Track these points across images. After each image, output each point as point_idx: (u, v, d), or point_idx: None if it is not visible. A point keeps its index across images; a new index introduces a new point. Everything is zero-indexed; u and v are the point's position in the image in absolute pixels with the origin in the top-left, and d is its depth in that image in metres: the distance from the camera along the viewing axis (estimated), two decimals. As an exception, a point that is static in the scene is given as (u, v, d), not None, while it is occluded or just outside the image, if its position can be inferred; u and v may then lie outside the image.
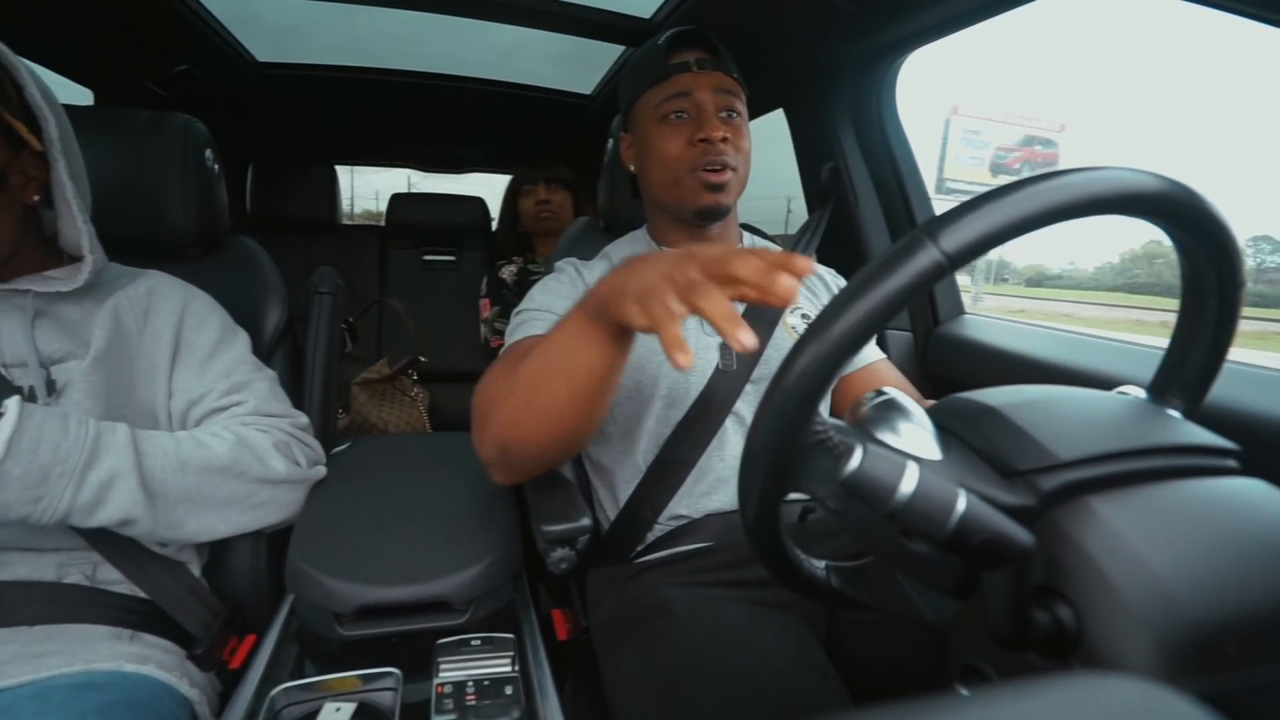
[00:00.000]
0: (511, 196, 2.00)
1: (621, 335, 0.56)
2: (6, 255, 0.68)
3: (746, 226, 1.09)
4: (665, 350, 0.43)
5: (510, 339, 0.81)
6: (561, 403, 0.61)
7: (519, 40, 1.61)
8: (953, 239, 0.33)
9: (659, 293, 0.46)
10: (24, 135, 0.66)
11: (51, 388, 0.68)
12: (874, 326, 0.34)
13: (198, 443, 0.70)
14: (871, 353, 0.94)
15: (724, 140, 0.82)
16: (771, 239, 1.11)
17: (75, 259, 0.73)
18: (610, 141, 1.05)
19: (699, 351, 0.83)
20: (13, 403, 0.58)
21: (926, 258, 0.33)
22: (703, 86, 0.83)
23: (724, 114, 0.84)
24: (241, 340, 0.85)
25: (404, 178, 3.04)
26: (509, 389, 0.64)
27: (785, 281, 0.40)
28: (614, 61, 1.68)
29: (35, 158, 0.68)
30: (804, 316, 0.91)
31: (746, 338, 0.39)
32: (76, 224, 0.69)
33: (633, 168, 0.93)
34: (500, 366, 0.68)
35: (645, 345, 0.83)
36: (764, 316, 0.85)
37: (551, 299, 0.84)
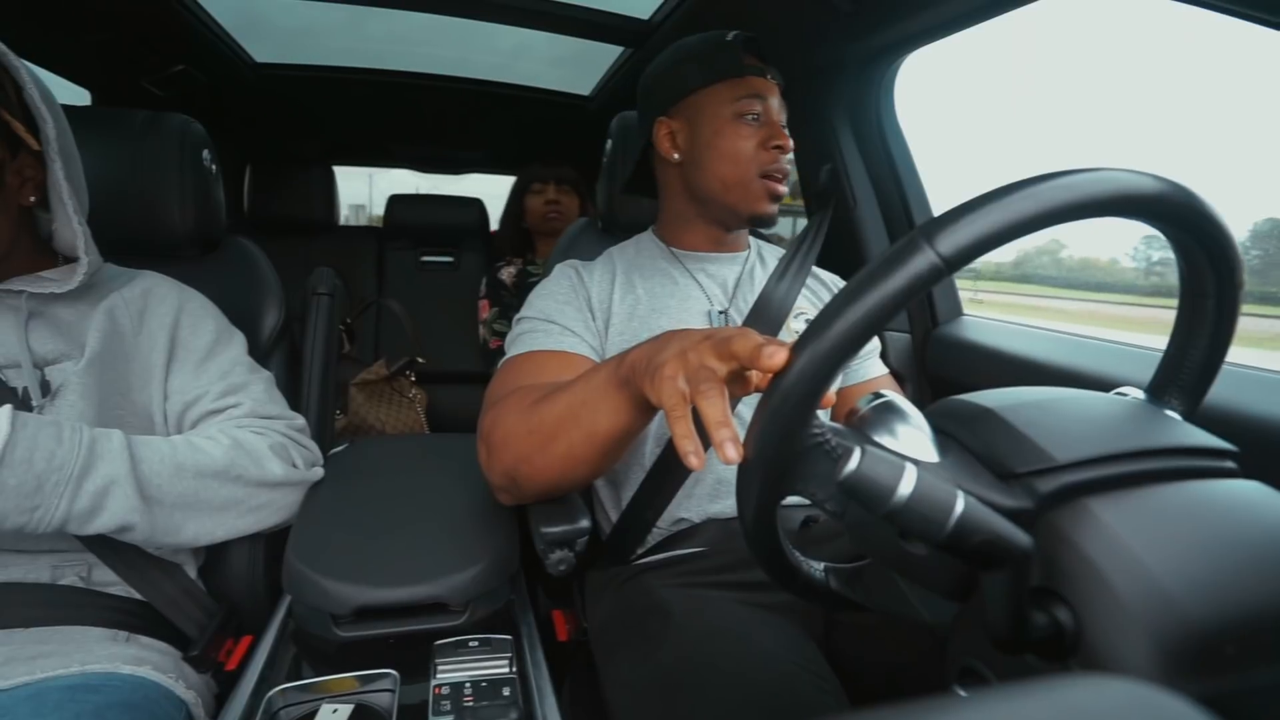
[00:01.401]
0: (518, 193, 1.99)
1: (647, 404, 0.55)
2: (2, 255, 0.68)
3: (753, 231, 1.09)
4: (676, 446, 0.44)
5: (511, 349, 0.81)
6: (579, 453, 0.61)
7: (520, 43, 1.61)
8: (949, 242, 0.33)
9: (671, 372, 0.47)
10: (22, 135, 0.65)
11: (46, 389, 0.68)
12: (871, 329, 0.34)
13: (193, 447, 0.70)
14: (874, 367, 0.94)
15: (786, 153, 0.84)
16: (775, 242, 1.11)
17: (70, 260, 0.73)
18: (609, 142, 1.05)
19: None
20: (5, 412, 0.57)
21: (923, 261, 0.33)
22: (774, 94, 0.85)
23: (784, 127, 0.86)
24: (238, 341, 0.84)
25: (416, 181, 3.03)
26: (526, 429, 0.64)
27: (770, 349, 0.40)
28: (613, 62, 1.68)
29: (33, 159, 0.67)
30: (807, 320, 0.91)
31: (730, 450, 0.39)
32: (72, 226, 0.69)
33: (677, 155, 0.88)
34: (515, 401, 0.67)
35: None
36: (767, 319, 0.85)
37: (551, 306, 0.83)
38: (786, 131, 0.86)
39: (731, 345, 0.44)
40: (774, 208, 0.86)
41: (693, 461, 0.43)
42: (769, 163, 0.83)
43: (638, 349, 0.56)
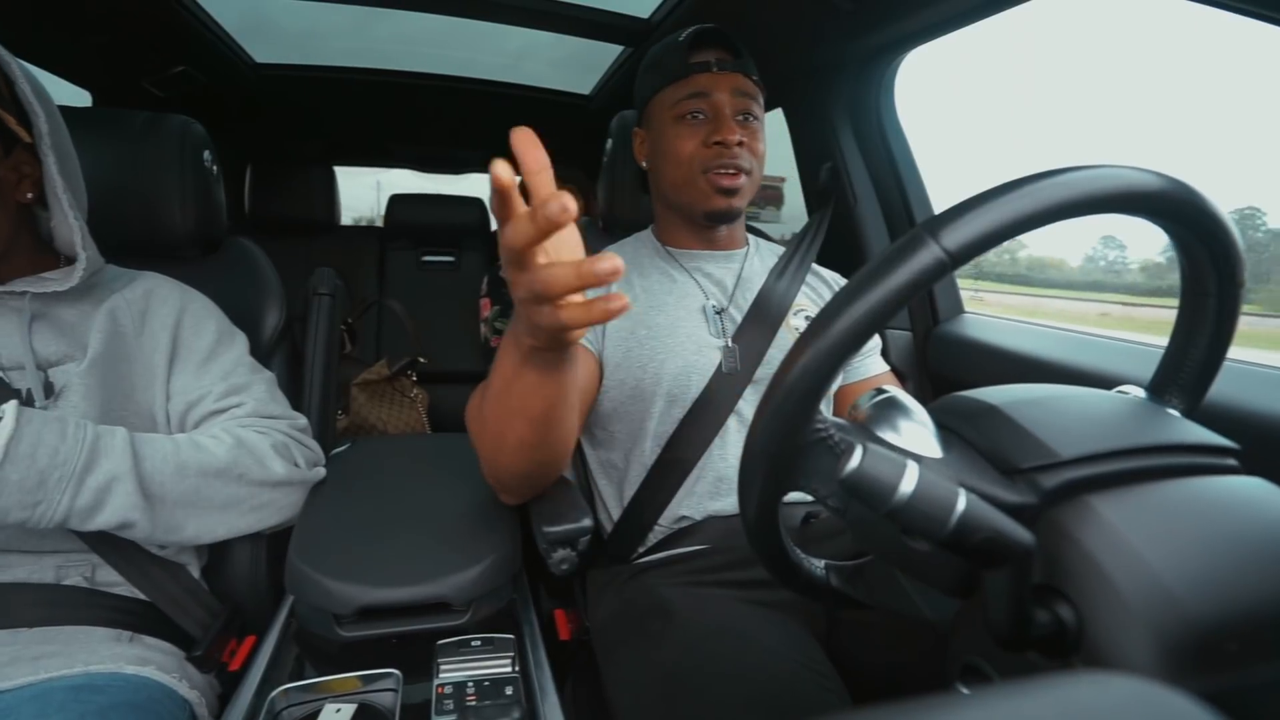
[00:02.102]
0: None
1: (558, 359, 0.54)
2: (1, 253, 0.68)
3: (751, 229, 1.09)
4: (587, 319, 0.41)
5: None
6: (529, 439, 0.60)
7: (526, 45, 1.61)
8: (954, 237, 0.33)
9: (530, 306, 0.45)
10: (14, 129, 0.65)
11: (49, 390, 0.68)
12: (875, 324, 0.34)
13: (196, 446, 0.70)
14: (874, 364, 0.94)
15: (739, 144, 0.82)
16: (775, 241, 1.11)
17: (72, 260, 0.73)
18: (609, 142, 1.05)
19: (702, 350, 0.83)
20: (10, 407, 0.58)
21: (928, 255, 0.33)
22: (721, 88, 0.83)
23: (740, 117, 0.84)
24: (239, 342, 0.84)
25: (422, 185, 3.02)
26: (482, 431, 0.64)
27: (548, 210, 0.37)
28: (612, 62, 1.68)
29: (29, 155, 0.67)
30: (807, 318, 0.91)
31: (603, 264, 0.37)
32: (69, 221, 0.69)
33: (645, 164, 0.93)
34: (474, 403, 0.66)
35: (646, 345, 0.83)
36: (767, 316, 0.85)
37: None
38: (750, 121, 0.84)
39: (546, 288, 0.42)
40: (727, 202, 0.84)
41: (613, 305, 0.40)
42: (710, 159, 0.82)
43: (513, 325, 0.53)
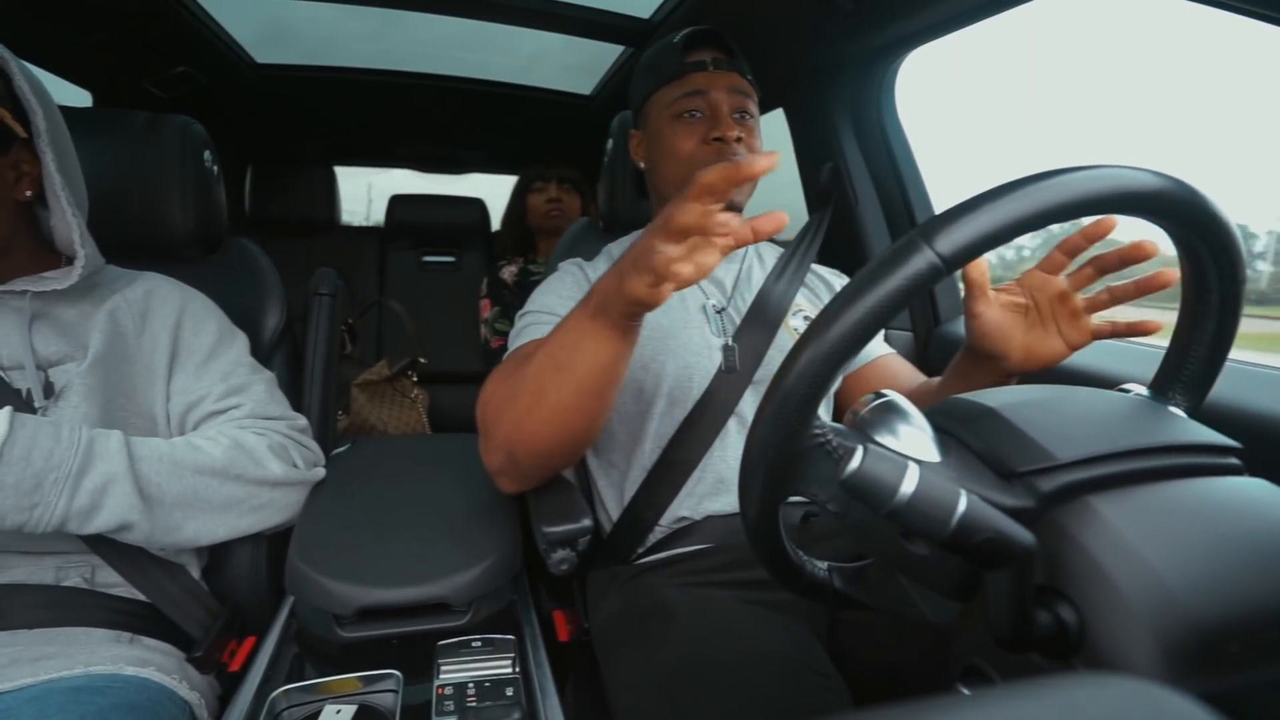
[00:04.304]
0: (520, 192, 1.99)
1: (627, 326, 0.57)
2: (1, 251, 0.68)
3: None
4: (664, 273, 0.49)
5: (514, 343, 0.81)
6: (569, 402, 0.61)
7: (537, 49, 1.61)
8: (948, 242, 0.33)
9: (648, 248, 0.50)
10: (10, 125, 0.65)
11: (49, 390, 0.68)
12: (871, 330, 0.34)
13: (192, 447, 0.70)
14: (878, 347, 0.94)
15: (738, 140, 0.82)
16: (775, 241, 1.11)
17: (72, 260, 0.73)
18: (610, 142, 1.05)
19: (703, 351, 0.83)
20: (4, 413, 0.58)
21: (922, 260, 0.33)
22: (718, 86, 0.84)
23: (737, 115, 0.84)
24: (240, 342, 0.84)
25: (427, 183, 3.02)
26: (514, 394, 0.64)
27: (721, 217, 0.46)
28: (613, 62, 1.68)
29: (27, 153, 0.67)
30: (806, 318, 0.91)
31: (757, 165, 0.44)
32: (67, 219, 0.69)
33: (642, 164, 0.93)
34: (502, 372, 0.68)
35: (648, 346, 0.82)
36: (766, 317, 0.85)
37: (554, 301, 0.84)
38: (746, 119, 0.85)
39: (676, 221, 0.48)
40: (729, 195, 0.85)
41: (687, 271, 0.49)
42: (710, 157, 0.83)
43: (602, 280, 0.58)
